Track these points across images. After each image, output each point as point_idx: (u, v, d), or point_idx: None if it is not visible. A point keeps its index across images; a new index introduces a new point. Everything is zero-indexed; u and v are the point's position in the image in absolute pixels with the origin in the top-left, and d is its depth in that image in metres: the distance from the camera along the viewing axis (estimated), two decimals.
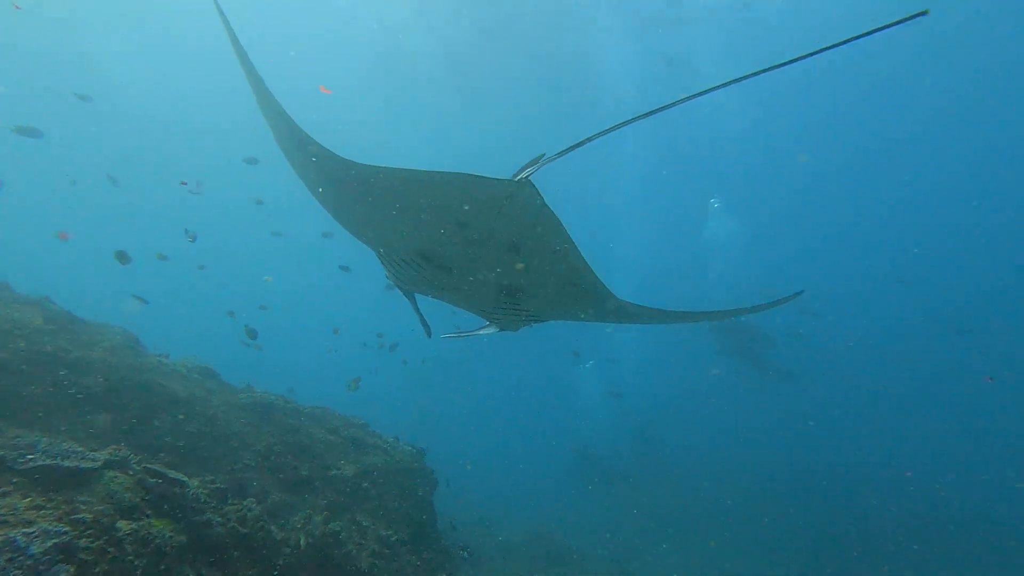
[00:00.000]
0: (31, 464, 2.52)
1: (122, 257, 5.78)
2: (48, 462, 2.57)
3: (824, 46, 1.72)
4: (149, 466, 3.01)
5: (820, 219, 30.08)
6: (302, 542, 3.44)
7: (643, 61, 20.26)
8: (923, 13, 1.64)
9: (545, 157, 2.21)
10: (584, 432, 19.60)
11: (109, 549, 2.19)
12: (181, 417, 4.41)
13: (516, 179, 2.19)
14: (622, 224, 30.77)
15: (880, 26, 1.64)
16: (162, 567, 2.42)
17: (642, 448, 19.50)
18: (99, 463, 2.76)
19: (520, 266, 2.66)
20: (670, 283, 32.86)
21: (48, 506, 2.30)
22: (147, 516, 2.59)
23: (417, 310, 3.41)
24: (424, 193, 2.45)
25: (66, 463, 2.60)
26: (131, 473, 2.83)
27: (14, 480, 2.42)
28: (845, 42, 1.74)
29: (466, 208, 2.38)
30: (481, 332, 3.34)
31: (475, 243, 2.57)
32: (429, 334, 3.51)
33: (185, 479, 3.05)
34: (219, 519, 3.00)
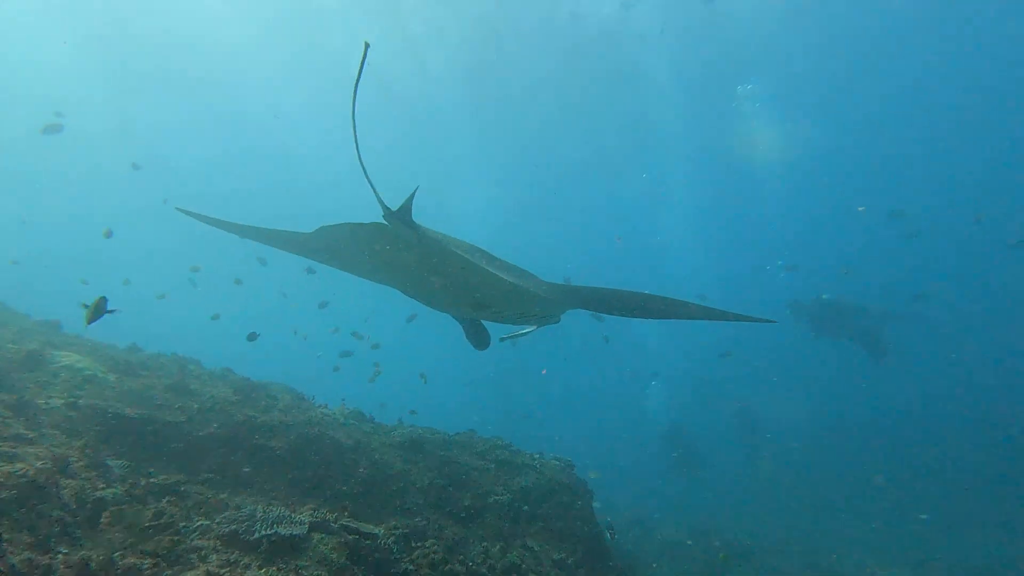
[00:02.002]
0: (257, 535, 2.85)
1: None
2: (269, 531, 2.89)
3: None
4: (344, 523, 3.26)
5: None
6: None
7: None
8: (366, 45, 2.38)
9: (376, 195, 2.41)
10: (681, 420, 18.64)
11: None
12: (352, 465, 4.81)
13: (387, 216, 2.39)
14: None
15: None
16: None
17: (750, 428, 18.26)
18: (306, 526, 3.05)
19: (444, 283, 2.84)
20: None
21: (280, 575, 2.57)
22: (355, 575, 2.79)
23: (467, 332, 3.99)
24: (336, 247, 2.75)
25: (283, 531, 2.90)
26: (332, 532, 3.09)
27: (258, 549, 2.75)
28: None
29: (378, 249, 2.59)
30: (526, 332, 3.82)
31: (414, 275, 2.80)
32: (480, 348, 4.11)
33: (376, 531, 3.27)
34: (412, 567, 3.15)
